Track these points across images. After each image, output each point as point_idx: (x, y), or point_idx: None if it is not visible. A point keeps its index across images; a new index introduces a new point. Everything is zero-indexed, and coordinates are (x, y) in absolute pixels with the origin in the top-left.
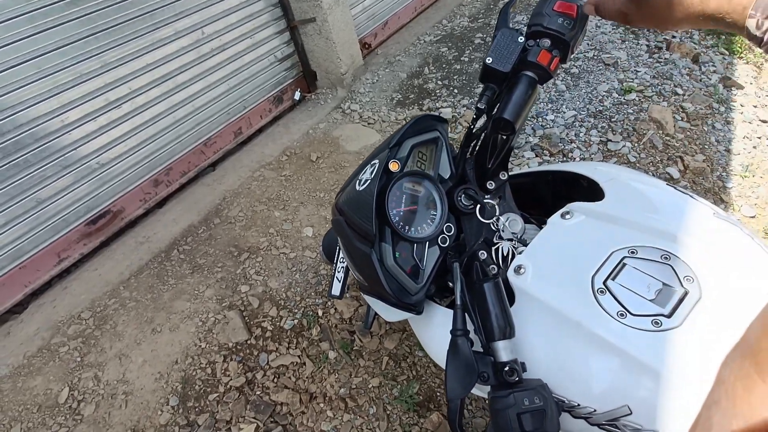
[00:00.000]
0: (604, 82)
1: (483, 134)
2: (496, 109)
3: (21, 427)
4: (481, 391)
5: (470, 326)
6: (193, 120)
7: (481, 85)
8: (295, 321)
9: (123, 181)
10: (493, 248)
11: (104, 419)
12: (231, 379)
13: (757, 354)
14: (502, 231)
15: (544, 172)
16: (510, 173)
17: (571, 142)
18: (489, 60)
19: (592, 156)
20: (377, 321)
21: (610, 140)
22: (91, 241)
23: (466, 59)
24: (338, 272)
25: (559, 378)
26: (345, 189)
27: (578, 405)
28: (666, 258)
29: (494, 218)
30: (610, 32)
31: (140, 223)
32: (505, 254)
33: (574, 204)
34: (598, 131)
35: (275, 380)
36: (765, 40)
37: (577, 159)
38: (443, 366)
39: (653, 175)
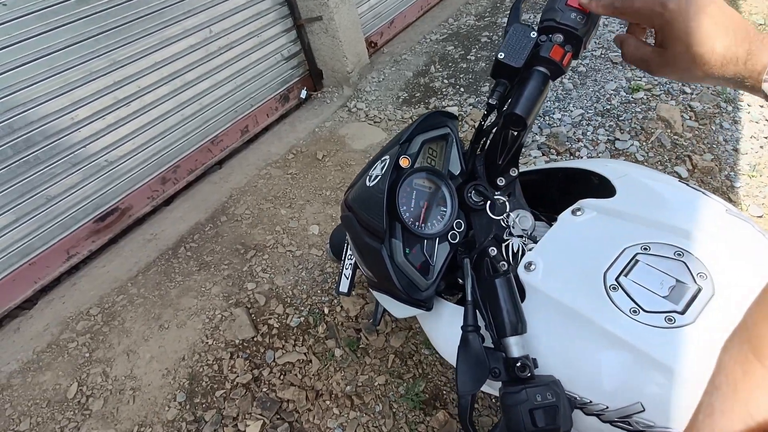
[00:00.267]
0: (611, 80)
1: (494, 130)
2: (507, 105)
3: (30, 422)
4: (490, 387)
5: (480, 322)
6: (200, 118)
7: (490, 82)
8: (302, 318)
9: (131, 179)
10: (503, 245)
11: (112, 414)
12: (237, 376)
13: (756, 339)
14: (512, 227)
15: (555, 169)
16: (520, 170)
17: (579, 141)
18: (501, 55)
19: (600, 155)
20: (384, 319)
21: (618, 139)
22: (99, 238)
23: (473, 58)
24: (346, 269)
25: (570, 375)
26: (355, 185)
27: (590, 402)
28: (679, 254)
29: (504, 215)
30: (618, 30)
31: (148, 221)
32: (515, 251)
33: (584, 201)
34: (606, 130)
35: (281, 377)
36: None
37: (585, 158)
38: (452, 362)
39: None
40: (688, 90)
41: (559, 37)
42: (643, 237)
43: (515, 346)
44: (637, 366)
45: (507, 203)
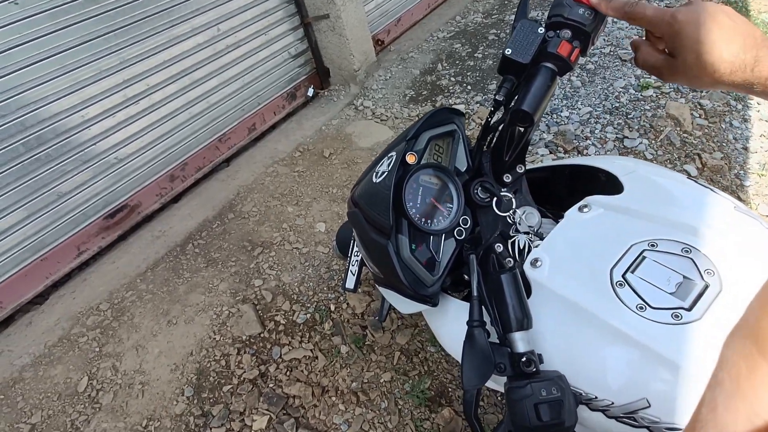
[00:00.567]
0: (620, 78)
1: (500, 127)
2: (514, 101)
3: (42, 415)
4: (495, 383)
5: (486, 318)
6: (208, 116)
7: (497, 80)
8: (308, 315)
9: (140, 176)
10: (510, 241)
11: (122, 408)
12: (244, 372)
13: (758, 333)
14: (519, 224)
15: (562, 166)
16: (527, 167)
17: (587, 139)
18: (508, 51)
19: (608, 153)
20: (390, 316)
21: (627, 137)
22: (109, 235)
23: (480, 55)
24: (352, 266)
25: (576, 370)
26: (361, 181)
27: (595, 397)
28: (686, 251)
29: (511, 211)
30: (627, 27)
31: (156, 218)
32: (521, 247)
33: (591, 197)
34: (614, 128)
35: (288, 373)
36: None
37: (601, 155)
38: (457, 358)
39: None
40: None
41: (566, 33)
42: (651, 233)
43: (521, 342)
44: (643, 362)
45: (513, 200)
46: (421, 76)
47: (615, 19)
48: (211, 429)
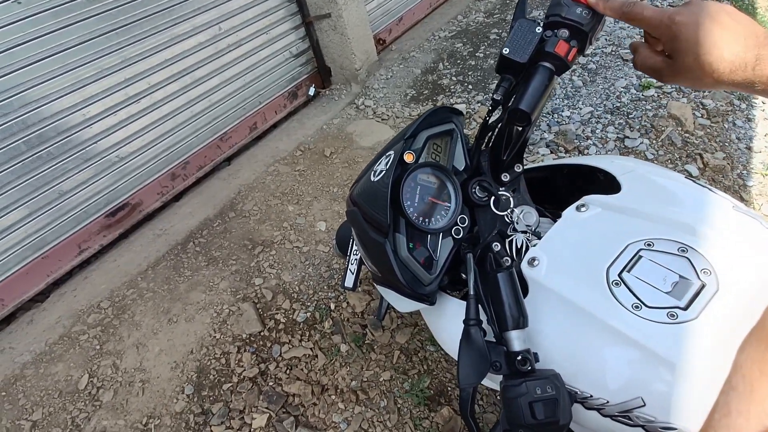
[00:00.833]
0: (622, 77)
1: (498, 126)
2: (512, 101)
3: (43, 412)
4: (492, 382)
5: (483, 317)
6: (209, 115)
7: (497, 80)
8: (308, 314)
9: (141, 175)
10: (507, 240)
11: (122, 406)
12: (244, 370)
13: None
14: (517, 223)
15: (560, 166)
16: (525, 166)
17: (587, 139)
18: (506, 51)
19: (609, 153)
20: (389, 315)
21: (628, 137)
22: (110, 233)
23: (481, 55)
24: (351, 264)
25: (571, 369)
26: (360, 180)
27: (591, 396)
28: (683, 250)
29: (508, 210)
30: (628, 27)
31: (158, 216)
32: (519, 246)
33: (589, 197)
34: (615, 128)
35: (288, 372)
36: None
37: (599, 155)
38: (454, 357)
39: None
40: None
41: (564, 33)
42: (647, 233)
43: (517, 340)
44: (638, 361)
45: (511, 199)
46: (423, 76)
47: (616, 19)
48: (211, 427)
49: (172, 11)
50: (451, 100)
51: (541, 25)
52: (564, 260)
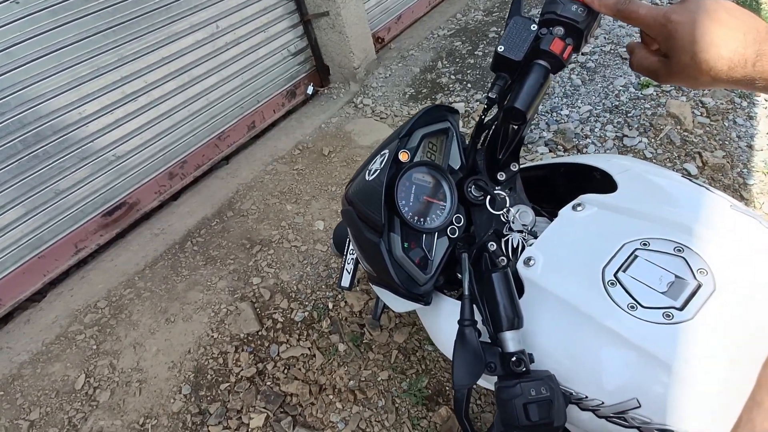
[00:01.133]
0: (620, 76)
1: (494, 124)
2: (507, 99)
3: (40, 411)
4: (488, 383)
5: (478, 317)
6: (207, 113)
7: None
8: (306, 313)
9: (138, 174)
10: (503, 240)
11: (119, 406)
12: (242, 370)
13: None
14: (513, 223)
15: (557, 165)
16: (522, 165)
17: (586, 138)
18: (501, 48)
19: (607, 152)
20: (387, 314)
21: (626, 136)
22: (107, 232)
23: (480, 53)
24: (348, 263)
25: (567, 370)
26: (355, 179)
27: (586, 397)
28: (679, 250)
29: (504, 210)
30: (628, 26)
31: (155, 215)
32: (514, 246)
33: (585, 196)
34: (614, 126)
35: (285, 371)
36: None
37: (596, 153)
38: (450, 357)
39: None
40: None
41: (560, 30)
42: (643, 232)
43: (511, 341)
44: (634, 362)
45: (507, 198)
46: (421, 74)
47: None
48: (208, 427)
49: (169, 9)
50: (450, 99)
51: (537, 22)
52: (560, 260)
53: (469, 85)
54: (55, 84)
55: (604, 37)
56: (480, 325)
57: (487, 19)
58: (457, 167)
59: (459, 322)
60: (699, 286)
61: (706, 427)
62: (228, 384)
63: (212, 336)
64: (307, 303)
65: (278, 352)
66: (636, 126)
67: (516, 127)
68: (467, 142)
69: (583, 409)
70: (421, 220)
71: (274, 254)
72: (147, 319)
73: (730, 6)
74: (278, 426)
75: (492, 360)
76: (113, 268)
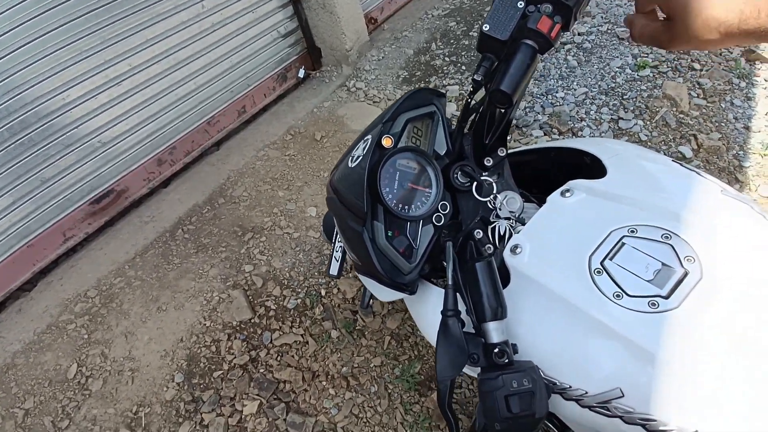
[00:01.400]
0: (617, 57)
1: (480, 108)
2: (493, 81)
3: (34, 400)
4: (474, 372)
5: (462, 307)
6: (195, 98)
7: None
8: (299, 300)
9: (126, 160)
10: (490, 227)
11: (112, 395)
12: (235, 357)
13: None
14: (500, 210)
15: (548, 149)
16: (511, 150)
17: (581, 120)
18: (486, 27)
19: (603, 134)
20: (379, 301)
21: (622, 118)
22: (95, 221)
23: (475, 34)
24: (336, 251)
25: (552, 359)
26: (339, 166)
27: (570, 387)
28: (667, 237)
29: (491, 196)
30: (626, 5)
31: (145, 203)
32: (502, 233)
33: (574, 181)
34: (610, 109)
35: (278, 358)
36: None
37: (596, 137)
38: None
39: (665, 154)
40: (697, 66)
41: (547, 8)
42: (631, 219)
43: (494, 332)
44: (617, 351)
45: (494, 184)
46: (415, 56)
47: None
48: (201, 414)
49: None
50: (444, 82)
51: None
52: (547, 248)
53: (463, 68)
54: (39, 70)
55: (601, 17)
56: (464, 315)
57: None
58: (443, 153)
59: (442, 312)
60: (686, 274)
61: (688, 417)
62: (221, 372)
63: (204, 324)
64: (299, 290)
65: (271, 340)
66: (632, 108)
67: (503, 110)
68: (454, 126)
69: (567, 399)
70: (406, 207)
71: (267, 241)
72: (138, 308)
73: None
74: (271, 413)
75: (475, 351)
76: (103, 257)
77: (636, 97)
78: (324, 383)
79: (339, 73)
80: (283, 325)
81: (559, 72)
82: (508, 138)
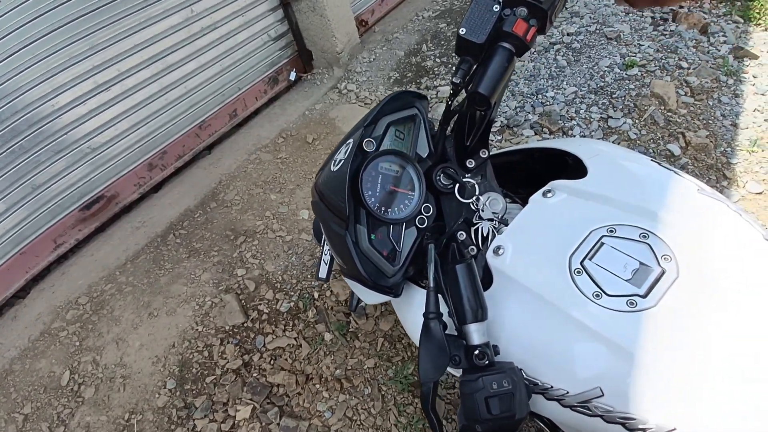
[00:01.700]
0: (606, 56)
1: (460, 110)
2: (471, 84)
3: (32, 406)
4: (458, 373)
5: (444, 309)
6: (186, 102)
7: None
8: (291, 303)
9: (116, 166)
10: (473, 229)
11: (104, 402)
12: (228, 362)
13: None
14: (482, 211)
15: (530, 150)
16: (495, 151)
17: (571, 120)
18: (462, 30)
19: (593, 133)
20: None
21: (611, 117)
22: (86, 227)
23: None
24: (325, 255)
25: (533, 360)
26: (323, 170)
27: (551, 387)
28: (644, 236)
29: (474, 198)
30: (613, 5)
31: (136, 208)
32: (485, 235)
33: (556, 182)
34: (599, 108)
35: (272, 362)
36: None
37: (577, 137)
38: None
39: (654, 152)
40: (684, 64)
41: (523, 11)
42: (610, 219)
43: (475, 333)
44: (597, 351)
45: (477, 186)
46: (406, 58)
47: None
48: (194, 420)
49: None
50: (435, 83)
51: (500, 2)
52: (529, 248)
53: (454, 69)
54: (30, 77)
55: (590, 17)
56: (446, 317)
57: None
58: (425, 155)
59: (424, 314)
60: (663, 273)
61: (666, 415)
62: (214, 377)
63: (197, 329)
64: (292, 293)
65: (264, 343)
66: (621, 107)
67: (482, 112)
68: (436, 129)
69: (549, 399)
70: (388, 210)
71: (259, 245)
72: (129, 314)
73: None
74: (265, 417)
75: (457, 353)
76: (93, 263)
77: (625, 96)
78: (317, 386)
79: (330, 76)
80: (276, 329)
81: (549, 72)
82: (500, 138)
